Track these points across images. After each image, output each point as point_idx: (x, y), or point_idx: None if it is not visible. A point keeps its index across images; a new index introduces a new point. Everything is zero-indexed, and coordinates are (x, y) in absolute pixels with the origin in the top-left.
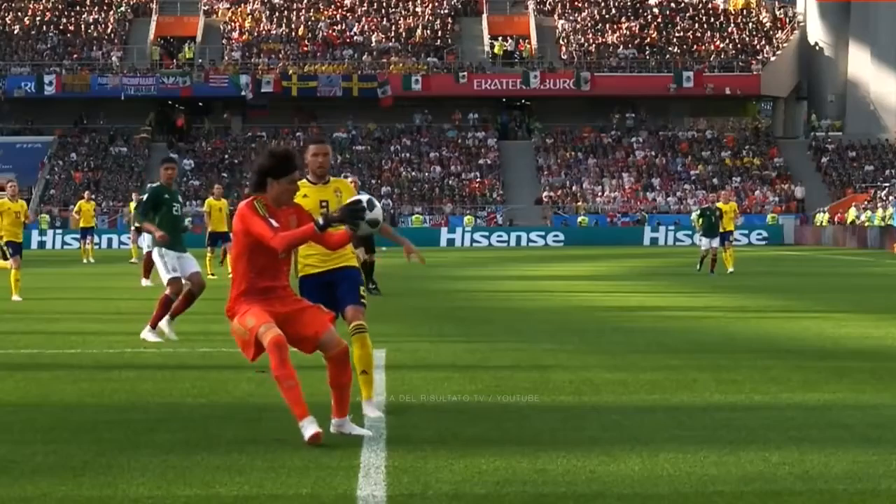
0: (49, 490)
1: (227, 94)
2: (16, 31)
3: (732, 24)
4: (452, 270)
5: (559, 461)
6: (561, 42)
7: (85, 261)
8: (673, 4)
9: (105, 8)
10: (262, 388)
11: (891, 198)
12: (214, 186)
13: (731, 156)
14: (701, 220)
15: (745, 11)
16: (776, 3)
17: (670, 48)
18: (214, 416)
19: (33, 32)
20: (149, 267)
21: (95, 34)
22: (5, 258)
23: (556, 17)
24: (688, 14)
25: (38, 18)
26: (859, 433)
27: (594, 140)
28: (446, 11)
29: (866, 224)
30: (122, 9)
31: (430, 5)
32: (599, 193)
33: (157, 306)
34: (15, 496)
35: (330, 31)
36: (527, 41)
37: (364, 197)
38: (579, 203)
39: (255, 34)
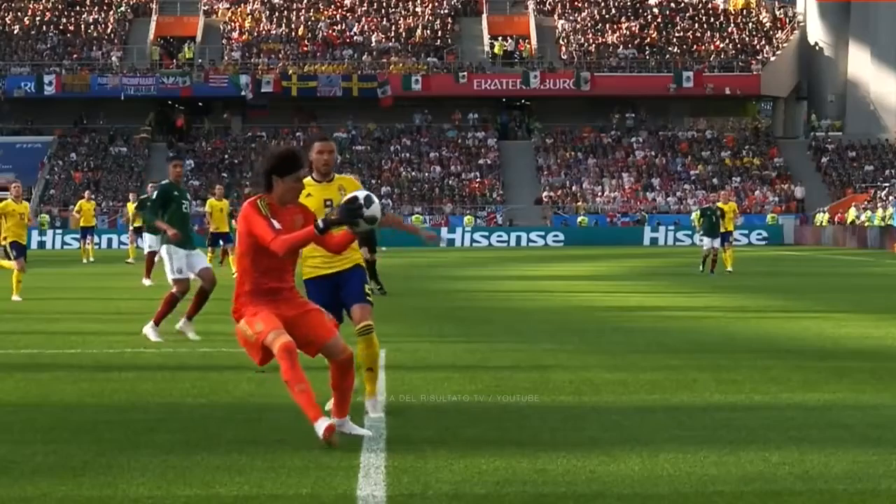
0: (49, 490)
1: (227, 94)
2: (16, 31)
3: (732, 24)
4: (452, 270)
5: (559, 461)
6: (561, 42)
7: (85, 260)
8: (673, 4)
9: (105, 8)
10: (263, 389)
11: (891, 198)
12: (216, 187)
13: (731, 156)
14: (702, 220)
15: (745, 11)
16: (776, 3)
17: (670, 48)
18: (214, 416)
19: (33, 32)
20: (150, 267)
21: (95, 34)
22: (9, 259)
23: (556, 17)
24: (688, 14)
25: (38, 18)
26: (859, 433)
27: (594, 140)
28: (446, 11)
29: (866, 224)
30: (122, 9)
31: (430, 5)
32: (599, 193)
33: (163, 304)
34: (15, 496)
35: (330, 31)
36: (527, 41)
37: (361, 194)
38: (579, 203)
39: (255, 34)
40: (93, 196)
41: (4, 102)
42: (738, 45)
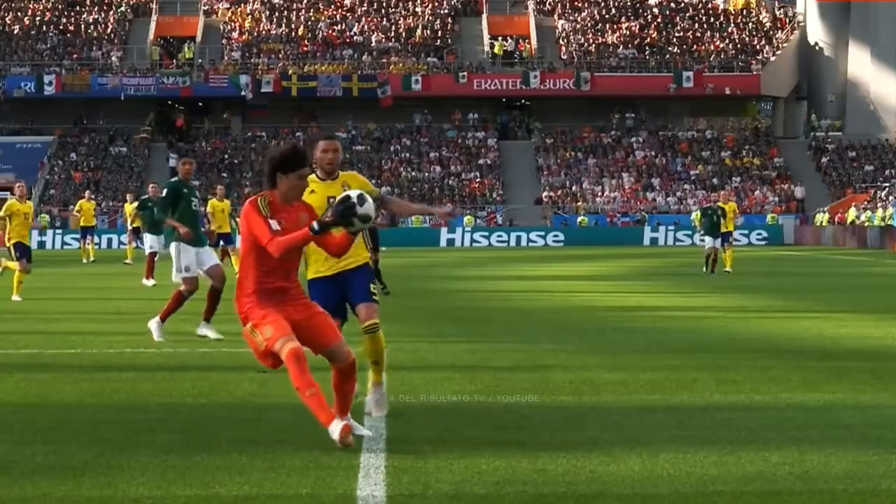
0: (49, 490)
1: (227, 94)
2: (16, 31)
3: (732, 24)
4: (452, 270)
5: (559, 461)
6: (561, 42)
7: (85, 260)
8: (673, 4)
9: (105, 8)
10: (263, 389)
11: (891, 198)
12: (217, 187)
13: (731, 156)
14: (703, 220)
15: (745, 11)
16: (776, 3)
17: (670, 48)
18: (214, 416)
19: (33, 32)
20: (151, 267)
21: (95, 34)
22: (13, 259)
23: (556, 17)
24: (688, 14)
25: (38, 18)
26: (859, 433)
27: (594, 140)
28: (446, 11)
29: (866, 224)
30: (122, 9)
31: (430, 5)
32: (599, 193)
33: (171, 300)
34: (15, 496)
35: (330, 31)
36: (527, 41)
37: (353, 193)
38: (579, 203)
39: (255, 34)
40: (93, 196)
41: (4, 102)
42: (738, 45)
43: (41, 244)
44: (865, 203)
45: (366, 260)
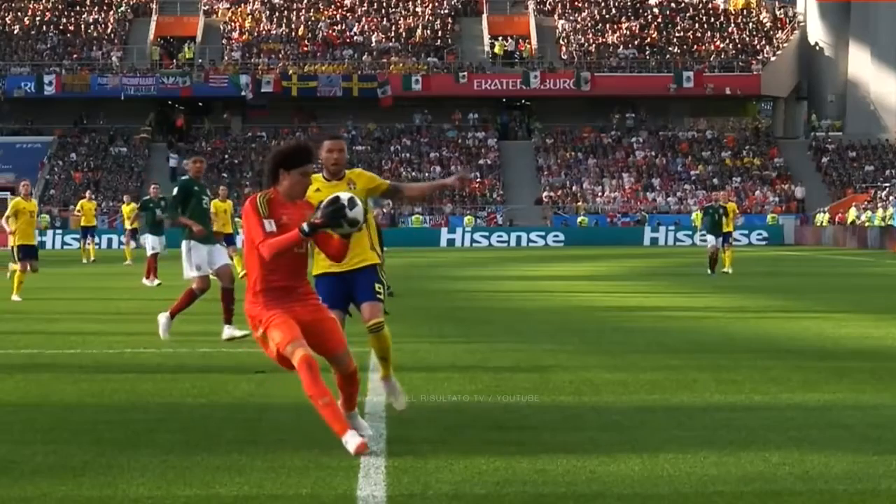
0: (49, 490)
1: (227, 94)
2: (16, 31)
3: (732, 24)
4: (452, 270)
5: (559, 461)
6: (561, 42)
7: (85, 260)
8: (673, 4)
9: (105, 8)
10: (263, 389)
11: (891, 198)
12: (219, 188)
13: (732, 156)
14: (705, 219)
15: (745, 11)
16: (776, 3)
17: (670, 48)
18: (214, 416)
19: (33, 32)
20: (152, 268)
21: (95, 34)
22: (15, 261)
23: (556, 17)
24: (688, 14)
25: (38, 18)
26: (859, 433)
27: (594, 140)
28: (446, 11)
29: (866, 224)
30: (122, 9)
31: (430, 5)
32: (599, 193)
33: (182, 297)
34: (15, 496)
35: (330, 31)
36: (527, 41)
37: (344, 195)
38: (579, 203)
39: (255, 34)
40: (93, 196)
41: (4, 102)
42: (739, 45)
43: (41, 244)
44: (866, 203)
45: (374, 261)
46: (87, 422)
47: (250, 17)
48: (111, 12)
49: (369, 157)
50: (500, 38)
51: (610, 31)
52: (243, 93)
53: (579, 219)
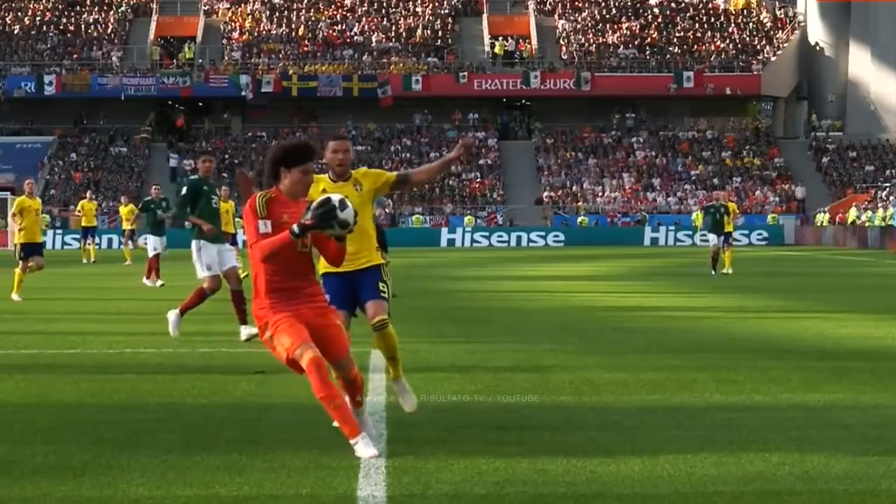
0: (49, 490)
1: (227, 94)
2: (16, 31)
3: (733, 24)
4: (452, 270)
5: (559, 461)
6: (561, 42)
7: (85, 260)
8: (673, 4)
9: (105, 8)
10: (263, 389)
11: (891, 198)
12: (221, 188)
13: (732, 156)
14: (706, 218)
15: (745, 11)
16: (776, 3)
17: (670, 48)
18: (214, 416)
19: (33, 32)
20: (153, 268)
21: (95, 34)
22: (17, 260)
23: (556, 17)
24: (688, 14)
25: (38, 18)
26: (859, 433)
27: (594, 140)
28: (446, 11)
29: (867, 224)
30: (122, 9)
31: (430, 5)
32: (600, 193)
33: (192, 295)
34: (15, 496)
35: (330, 31)
36: (527, 41)
37: (335, 196)
38: (579, 203)
39: (255, 34)
40: (94, 196)
41: (4, 102)
42: (739, 45)
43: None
44: (866, 203)
45: (380, 262)
46: (87, 422)
47: (250, 17)
48: (111, 12)
49: (369, 157)
50: (501, 38)
51: (610, 31)
52: (243, 93)
53: (579, 219)
